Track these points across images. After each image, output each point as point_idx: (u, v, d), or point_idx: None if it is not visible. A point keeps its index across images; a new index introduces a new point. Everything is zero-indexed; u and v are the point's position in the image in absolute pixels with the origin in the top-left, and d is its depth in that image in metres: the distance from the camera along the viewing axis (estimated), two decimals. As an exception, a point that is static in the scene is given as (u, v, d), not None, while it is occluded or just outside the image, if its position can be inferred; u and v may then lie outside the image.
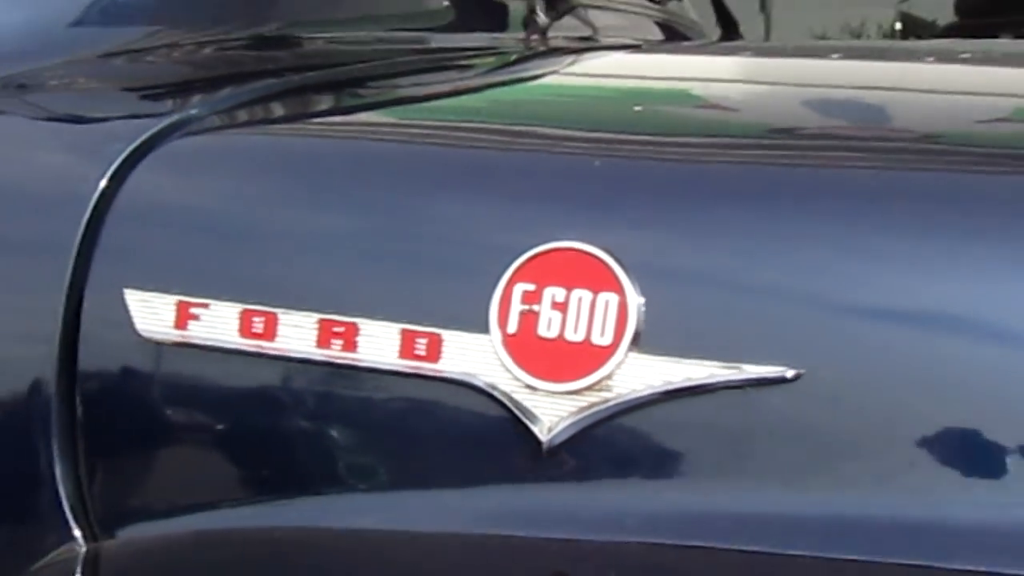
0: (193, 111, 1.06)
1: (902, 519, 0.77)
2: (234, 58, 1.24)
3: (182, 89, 1.16)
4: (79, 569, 0.90)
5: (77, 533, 0.92)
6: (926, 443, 0.78)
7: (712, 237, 0.84)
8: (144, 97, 1.16)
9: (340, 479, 0.88)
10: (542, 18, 1.49)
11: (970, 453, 0.77)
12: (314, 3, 1.36)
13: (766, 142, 0.99)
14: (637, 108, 1.11)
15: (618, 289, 0.81)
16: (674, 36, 1.92)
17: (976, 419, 0.77)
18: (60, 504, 0.92)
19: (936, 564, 0.76)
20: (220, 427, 0.92)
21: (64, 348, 0.93)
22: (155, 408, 0.93)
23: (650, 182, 0.89)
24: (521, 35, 1.50)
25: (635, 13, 1.83)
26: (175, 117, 1.04)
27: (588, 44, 1.59)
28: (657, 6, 1.93)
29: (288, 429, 0.89)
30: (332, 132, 1.12)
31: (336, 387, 0.87)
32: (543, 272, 0.83)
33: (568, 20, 1.63)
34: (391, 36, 1.39)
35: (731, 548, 0.79)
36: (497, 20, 1.51)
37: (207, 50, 1.22)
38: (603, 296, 0.82)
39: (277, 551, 0.88)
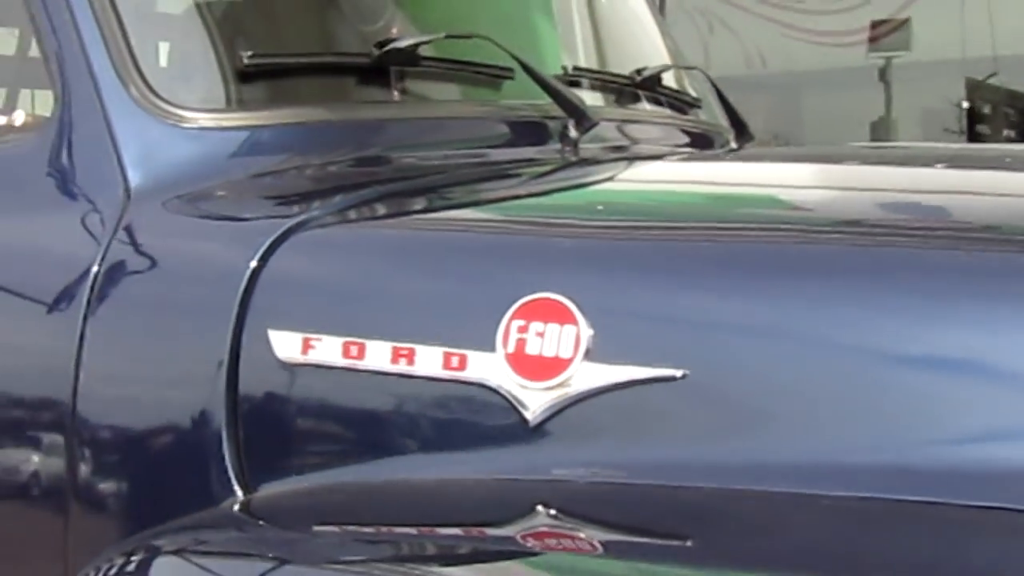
0: (314, 212, 1.57)
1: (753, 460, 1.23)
2: (344, 174, 1.74)
3: (306, 197, 1.66)
4: (237, 509, 1.39)
5: (237, 489, 1.41)
6: (773, 422, 1.24)
7: (635, 292, 1.32)
8: (280, 204, 1.66)
9: (406, 447, 1.37)
10: (573, 132, 1.96)
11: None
12: (399, 132, 1.87)
13: (683, 227, 1.48)
14: (599, 207, 1.61)
15: (575, 323, 1.29)
16: (698, 141, 2.37)
17: None
18: (227, 470, 1.42)
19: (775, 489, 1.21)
20: (328, 416, 1.42)
21: (231, 368, 1.43)
22: (288, 405, 1.43)
23: (597, 256, 1.38)
24: (557, 147, 1.97)
25: (656, 123, 2.30)
26: (301, 217, 1.54)
27: (613, 154, 2.05)
28: (680, 115, 2.38)
29: (372, 416, 1.38)
30: (405, 225, 1.62)
31: (402, 388, 1.36)
32: (530, 313, 1.31)
33: (601, 131, 2.09)
34: (457, 153, 1.88)
35: (647, 483, 1.25)
36: (539, 136, 1.98)
37: (324, 169, 1.73)
38: (567, 327, 1.29)
39: (368, 496, 1.37)
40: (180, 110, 1.67)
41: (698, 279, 1.32)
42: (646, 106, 2.32)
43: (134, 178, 1.62)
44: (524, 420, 1.30)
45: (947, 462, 1.18)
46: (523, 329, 1.31)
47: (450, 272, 1.43)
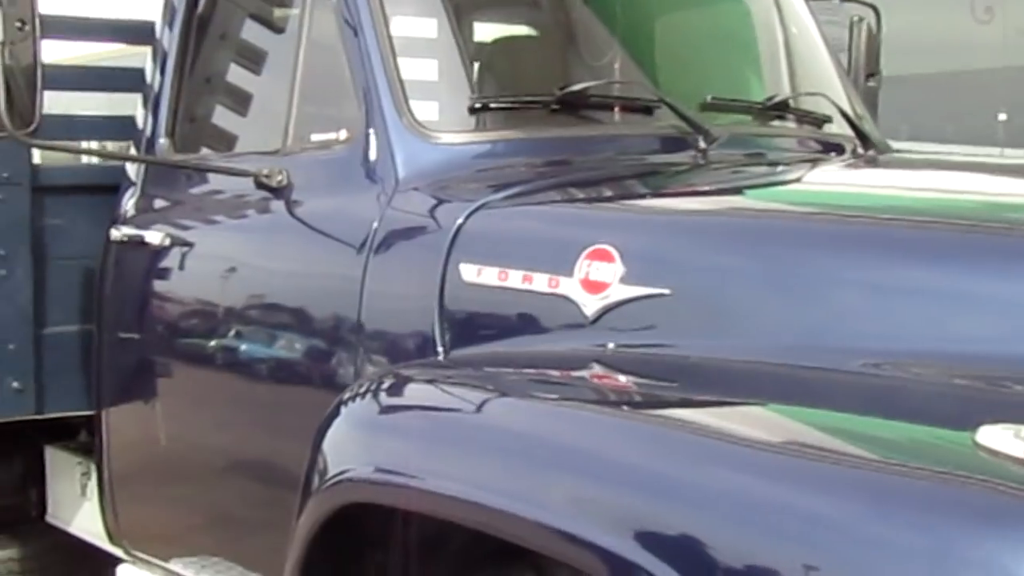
0: (500, 194, 2.60)
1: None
2: (531, 172, 2.76)
3: (500, 186, 2.66)
4: (442, 359, 2.44)
5: (440, 351, 2.47)
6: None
7: (649, 244, 2.30)
8: (484, 189, 2.66)
9: (526, 330, 2.38)
10: (702, 144, 2.90)
11: None
12: (578, 145, 2.88)
13: (700, 204, 2.43)
14: (663, 191, 2.58)
15: (615, 261, 2.27)
16: (830, 149, 3.24)
17: None
18: (435, 342, 2.48)
19: None
20: (487, 313, 2.46)
21: (440, 286, 2.49)
22: (467, 306, 2.48)
23: (632, 222, 2.37)
24: (692, 155, 2.92)
25: (782, 136, 3.20)
26: (492, 197, 2.59)
27: (735, 160, 2.96)
28: (805, 127, 3.25)
29: (509, 313, 2.41)
30: (547, 201, 2.63)
31: (524, 298, 2.38)
32: (593, 255, 2.30)
33: (739, 142, 3.02)
34: (618, 159, 2.87)
35: (653, 352, 2.22)
36: (681, 147, 2.93)
37: (519, 169, 2.75)
38: (611, 264, 2.28)
39: (505, 358, 2.37)
40: (432, 132, 2.75)
41: (685, 236, 2.29)
42: (787, 124, 3.23)
43: (401, 173, 2.71)
44: (585, 316, 2.30)
45: None
46: (588, 265, 2.31)
47: (558, 230, 2.45)
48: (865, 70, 4.15)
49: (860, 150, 3.29)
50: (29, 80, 2.68)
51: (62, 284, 3.53)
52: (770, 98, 3.17)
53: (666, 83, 3.12)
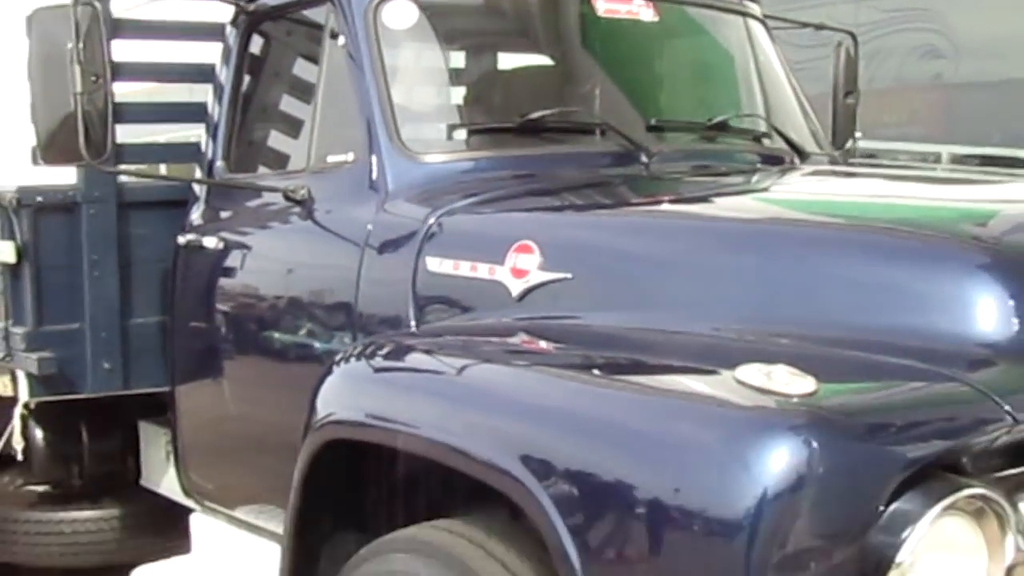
0: (465, 201, 3.27)
1: None
2: (497, 183, 3.41)
3: (469, 194, 3.31)
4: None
5: (413, 324, 3.15)
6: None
7: (561, 238, 2.95)
8: (456, 197, 3.31)
9: (472, 308, 3.04)
10: (644, 159, 3.54)
11: None
12: (540, 162, 3.53)
13: (611, 205, 3.08)
14: (590, 196, 3.23)
15: (534, 253, 2.93)
16: (771, 161, 3.86)
17: None
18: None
19: None
20: (444, 295, 3.12)
21: (413, 275, 3.17)
22: (431, 290, 3.15)
23: (549, 222, 3.02)
24: (636, 169, 3.55)
25: (723, 150, 3.82)
26: (459, 203, 3.26)
27: (675, 171, 3.59)
28: (750, 142, 3.87)
29: (459, 293, 3.08)
30: (498, 206, 3.27)
31: (471, 282, 3.04)
32: (519, 248, 2.96)
33: (684, 155, 3.65)
34: (572, 172, 3.51)
35: (563, 323, 2.87)
36: (629, 161, 3.56)
37: (489, 181, 3.40)
38: (532, 255, 2.94)
39: (460, 329, 3.04)
40: (416, 153, 3.44)
41: (582, 232, 2.94)
42: (731, 140, 3.86)
43: (391, 187, 3.40)
44: (511, 296, 2.95)
45: None
46: (516, 256, 2.96)
47: (497, 229, 3.11)
48: (844, 88, 4.76)
49: (796, 161, 3.89)
50: (102, 119, 3.41)
51: (143, 282, 4.29)
52: (711, 119, 3.79)
53: (627, 107, 3.76)
